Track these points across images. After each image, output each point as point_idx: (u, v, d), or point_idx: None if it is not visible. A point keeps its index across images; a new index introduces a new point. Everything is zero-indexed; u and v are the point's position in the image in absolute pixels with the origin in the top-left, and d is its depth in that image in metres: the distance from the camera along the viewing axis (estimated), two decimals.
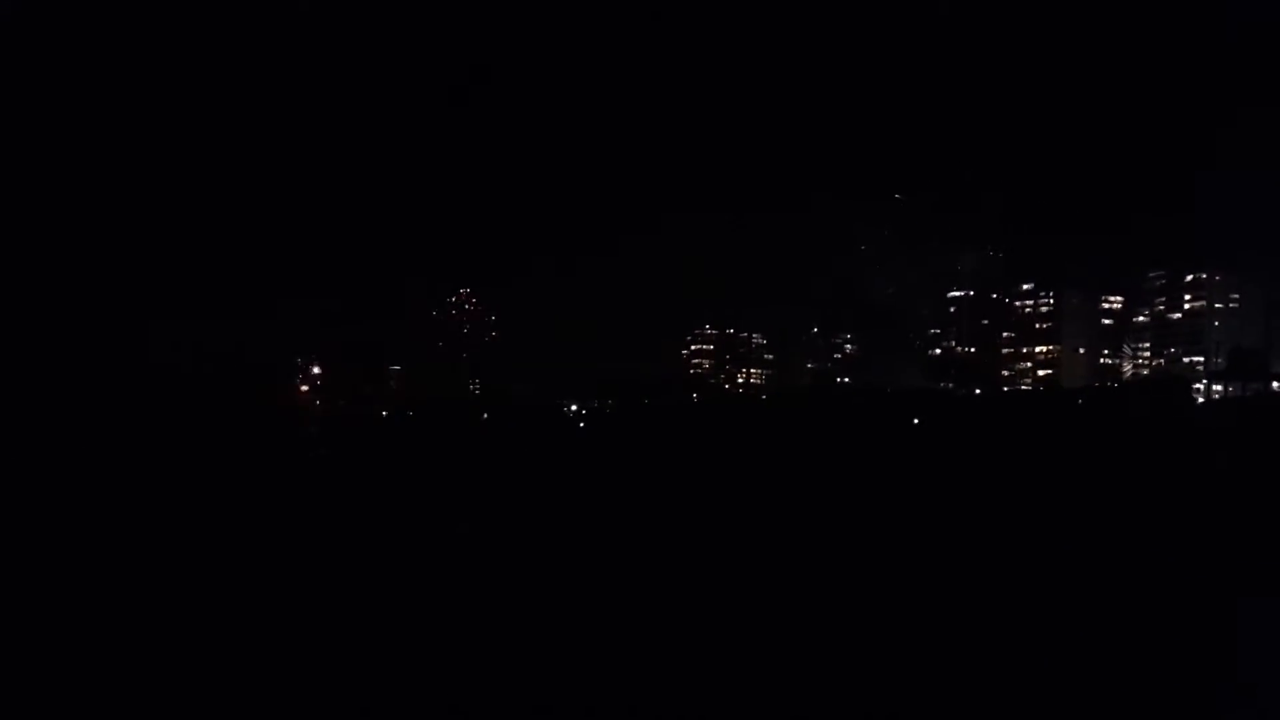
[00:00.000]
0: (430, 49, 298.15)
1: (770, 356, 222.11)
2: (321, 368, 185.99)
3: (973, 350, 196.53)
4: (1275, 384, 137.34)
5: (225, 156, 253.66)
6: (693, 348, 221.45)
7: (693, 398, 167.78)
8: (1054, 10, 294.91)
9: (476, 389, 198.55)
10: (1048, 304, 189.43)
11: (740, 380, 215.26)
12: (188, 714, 14.59)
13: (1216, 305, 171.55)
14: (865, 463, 60.92)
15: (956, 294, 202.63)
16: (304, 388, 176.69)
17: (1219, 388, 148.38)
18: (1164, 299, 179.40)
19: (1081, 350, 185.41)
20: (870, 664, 16.53)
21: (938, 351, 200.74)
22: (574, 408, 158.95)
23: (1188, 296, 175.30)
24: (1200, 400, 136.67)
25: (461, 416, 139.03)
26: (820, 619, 19.57)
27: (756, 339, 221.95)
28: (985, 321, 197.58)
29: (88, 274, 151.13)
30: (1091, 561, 25.49)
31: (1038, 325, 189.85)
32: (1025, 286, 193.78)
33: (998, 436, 78.79)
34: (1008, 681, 15.57)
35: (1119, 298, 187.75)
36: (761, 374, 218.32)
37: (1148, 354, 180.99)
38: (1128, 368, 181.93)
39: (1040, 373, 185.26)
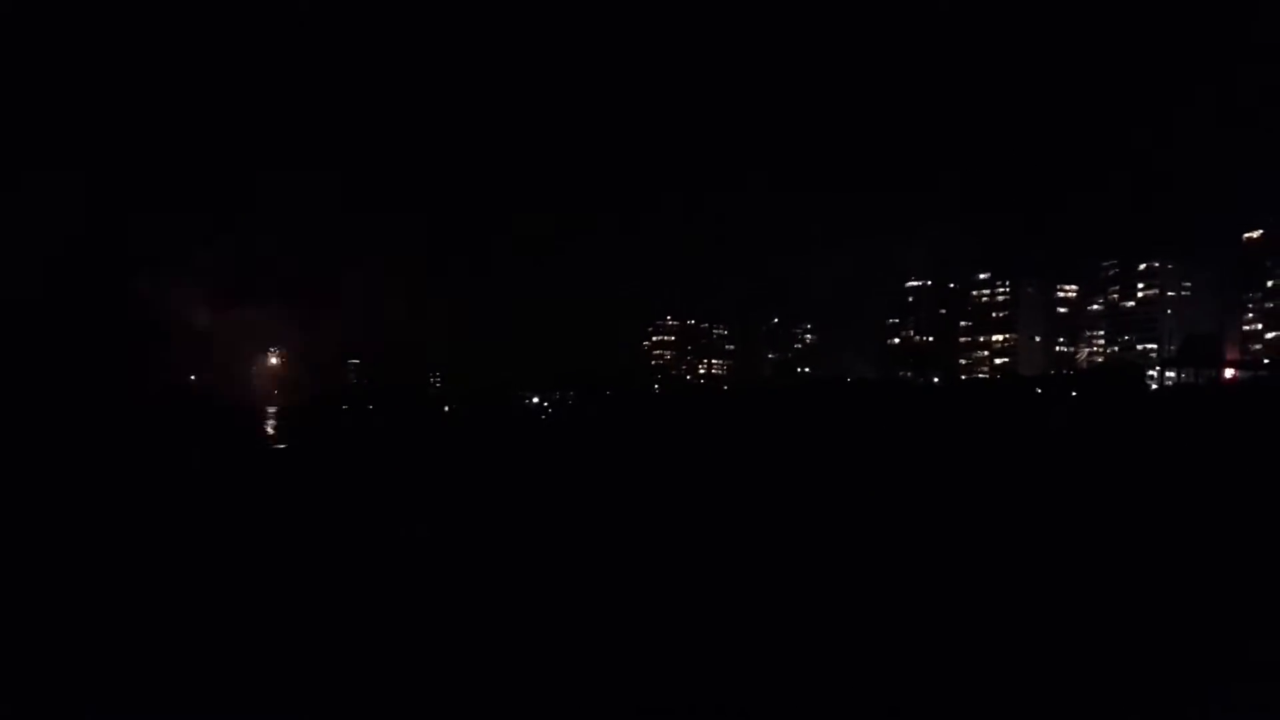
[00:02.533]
0: (381, 39, 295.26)
1: (731, 347, 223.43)
2: (278, 360, 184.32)
3: (930, 339, 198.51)
4: (1228, 370, 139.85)
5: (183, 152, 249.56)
6: (654, 339, 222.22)
7: (654, 388, 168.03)
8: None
9: (437, 381, 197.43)
10: (1004, 293, 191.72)
11: (702, 371, 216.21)
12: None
13: (1169, 293, 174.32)
14: (831, 452, 61.20)
15: (914, 283, 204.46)
16: (260, 379, 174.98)
17: (1172, 374, 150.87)
18: (1117, 287, 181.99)
19: (1037, 339, 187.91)
20: (849, 652, 16.55)
21: (896, 341, 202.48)
22: (535, 400, 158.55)
23: (1141, 285, 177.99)
24: (1154, 387, 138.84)
25: (422, 409, 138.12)
26: (796, 613, 19.57)
27: (718, 330, 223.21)
28: (942, 311, 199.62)
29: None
30: (1055, 546, 25.71)
31: (994, 314, 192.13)
32: (981, 276, 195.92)
33: (960, 424, 79.46)
34: (981, 673, 15.63)
35: (1073, 286, 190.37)
36: (723, 364, 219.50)
37: (1102, 342, 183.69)
38: (1083, 355, 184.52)
39: (997, 361, 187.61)
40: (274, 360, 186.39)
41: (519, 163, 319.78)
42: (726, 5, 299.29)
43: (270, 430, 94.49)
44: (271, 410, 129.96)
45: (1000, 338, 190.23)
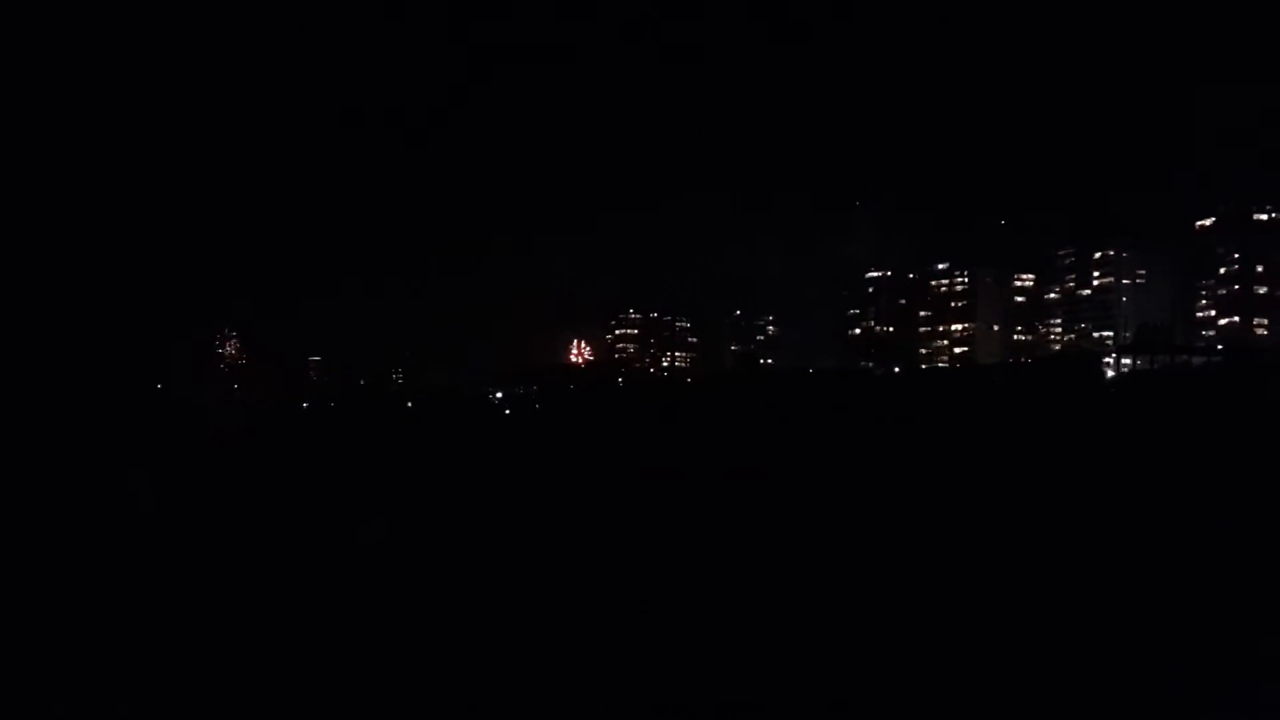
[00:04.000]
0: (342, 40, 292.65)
1: (694, 340, 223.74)
2: (243, 358, 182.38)
3: (891, 329, 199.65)
4: (1181, 356, 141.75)
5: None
6: (617, 332, 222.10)
7: (618, 381, 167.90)
8: None
9: (399, 378, 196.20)
10: (962, 283, 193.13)
11: (665, 364, 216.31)
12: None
13: (1125, 281, 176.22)
14: (801, 442, 61.53)
15: (874, 274, 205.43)
16: (226, 377, 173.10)
17: (1128, 361, 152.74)
18: (1074, 276, 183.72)
19: (996, 327, 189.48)
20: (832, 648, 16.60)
21: (857, 331, 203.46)
22: (499, 395, 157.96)
23: (1097, 273, 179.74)
24: (1110, 374, 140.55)
25: (384, 406, 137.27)
26: (778, 608, 19.64)
27: (680, 323, 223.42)
28: (902, 301, 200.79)
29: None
30: (1021, 530, 26.00)
31: (953, 304, 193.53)
32: (940, 266, 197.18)
33: (924, 412, 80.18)
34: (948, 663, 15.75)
35: (1031, 275, 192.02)
36: (686, 357, 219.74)
37: (1059, 330, 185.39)
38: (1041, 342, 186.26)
39: (956, 350, 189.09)
40: (233, 355, 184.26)
41: (483, 162, 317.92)
42: (687, 8, 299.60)
43: (233, 429, 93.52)
44: (233, 409, 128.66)
45: (959, 327, 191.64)
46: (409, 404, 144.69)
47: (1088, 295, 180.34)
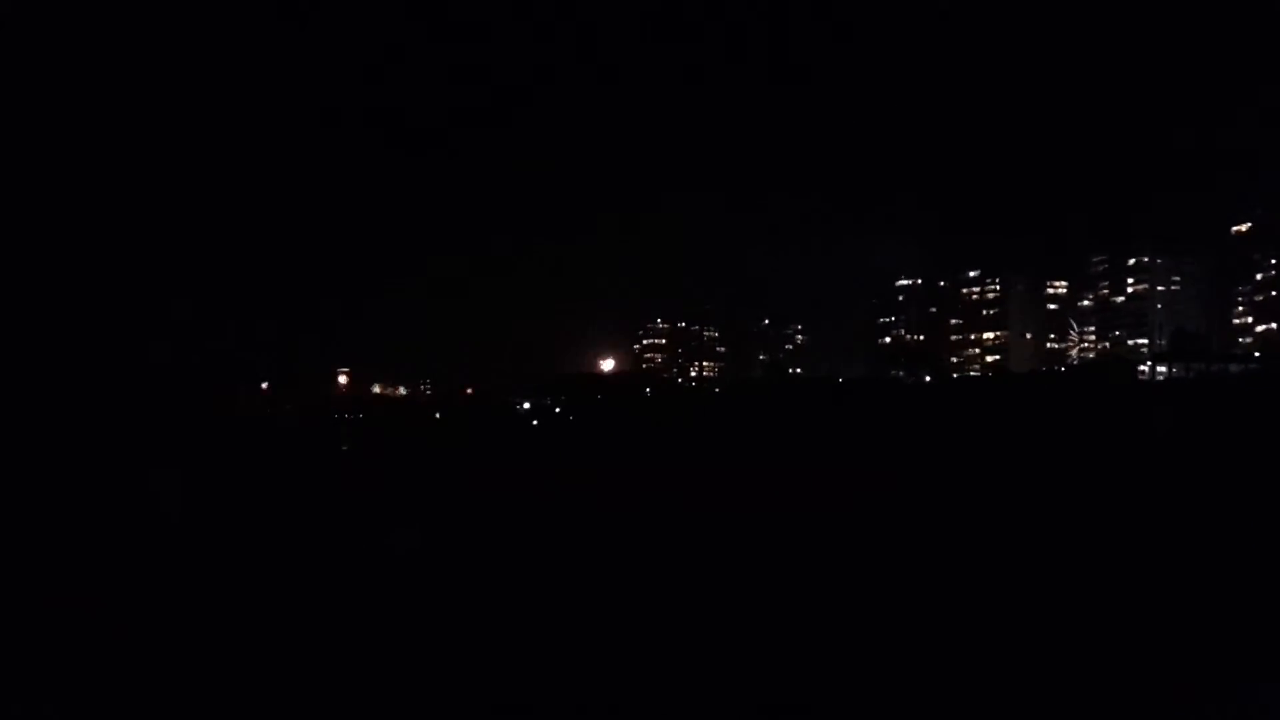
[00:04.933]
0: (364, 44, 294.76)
1: (723, 349, 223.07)
2: (269, 369, 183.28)
3: (921, 338, 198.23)
4: (1218, 364, 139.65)
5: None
6: (645, 342, 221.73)
7: (646, 391, 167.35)
8: None
9: (427, 389, 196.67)
10: (994, 290, 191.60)
11: (693, 373, 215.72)
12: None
13: (1159, 288, 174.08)
14: (830, 451, 60.88)
15: (904, 282, 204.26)
16: (252, 391, 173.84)
17: (1163, 369, 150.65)
18: (1107, 283, 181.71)
19: (1028, 335, 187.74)
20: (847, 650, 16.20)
21: (887, 340, 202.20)
22: (526, 405, 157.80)
23: (1131, 280, 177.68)
24: (1144, 381, 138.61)
25: (414, 416, 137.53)
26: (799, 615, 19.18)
27: (709, 332, 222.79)
28: (933, 309, 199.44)
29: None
30: (1050, 541, 25.42)
31: (985, 312, 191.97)
32: (971, 273, 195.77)
33: (955, 422, 79.23)
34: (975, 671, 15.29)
35: (1063, 282, 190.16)
36: (714, 367, 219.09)
37: (1093, 338, 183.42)
38: (1074, 351, 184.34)
39: (988, 359, 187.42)
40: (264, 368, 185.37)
41: (511, 168, 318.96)
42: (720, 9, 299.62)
43: (262, 439, 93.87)
44: (264, 419, 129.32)
45: (991, 335, 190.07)
46: (436, 414, 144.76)
47: (1121, 302, 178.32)
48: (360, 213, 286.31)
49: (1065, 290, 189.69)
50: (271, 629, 18.65)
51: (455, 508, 39.38)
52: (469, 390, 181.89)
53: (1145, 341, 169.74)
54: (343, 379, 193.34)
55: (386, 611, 19.91)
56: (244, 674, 15.96)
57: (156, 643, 17.56)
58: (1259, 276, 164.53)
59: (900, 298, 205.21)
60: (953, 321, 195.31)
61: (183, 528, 33.26)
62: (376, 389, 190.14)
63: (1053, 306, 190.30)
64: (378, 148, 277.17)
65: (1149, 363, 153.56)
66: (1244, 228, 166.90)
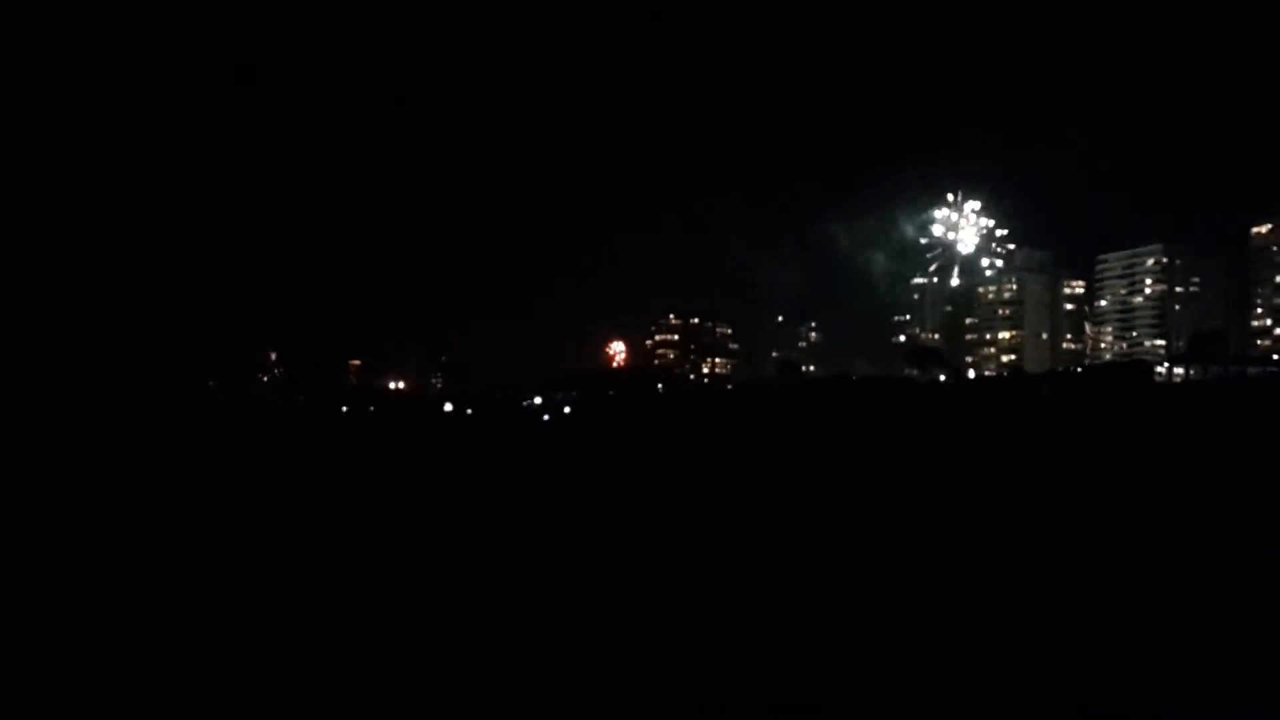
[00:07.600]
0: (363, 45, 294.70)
1: (735, 346, 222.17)
2: (278, 360, 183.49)
3: (938, 337, 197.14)
4: (1236, 365, 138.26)
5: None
6: (657, 338, 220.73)
7: (658, 388, 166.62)
8: None
9: (438, 383, 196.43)
10: (1011, 290, 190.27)
11: (706, 370, 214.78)
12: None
13: (1177, 289, 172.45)
14: (844, 451, 60.15)
15: (921, 281, 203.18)
16: (262, 379, 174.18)
17: (1180, 370, 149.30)
18: (1125, 283, 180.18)
19: (1044, 335, 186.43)
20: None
21: (903, 338, 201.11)
22: (537, 401, 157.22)
23: (1149, 280, 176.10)
24: (1161, 382, 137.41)
25: (423, 410, 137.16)
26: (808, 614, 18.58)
27: (721, 329, 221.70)
28: (949, 308, 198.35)
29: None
30: (1063, 543, 24.78)
31: (1001, 311, 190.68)
32: (989, 273, 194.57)
33: (971, 421, 78.32)
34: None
35: (1080, 283, 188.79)
36: (727, 363, 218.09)
37: (1110, 338, 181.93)
38: (1090, 352, 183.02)
39: (1004, 358, 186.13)
40: (274, 360, 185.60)
41: (522, 164, 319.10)
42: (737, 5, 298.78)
43: (272, 432, 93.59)
44: (273, 411, 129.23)
45: (1007, 335, 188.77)
46: (447, 408, 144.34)
47: (1139, 303, 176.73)
48: (370, 211, 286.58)
49: (1082, 290, 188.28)
50: (286, 628, 18.24)
51: (469, 507, 38.90)
52: (478, 386, 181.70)
53: (1163, 342, 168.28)
54: (354, 371, 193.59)
55: (405, 611, 19.52)
56: (256, 671, 15.56)
57: (157, 643, 17.10)
58: (1278, 279, 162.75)
59: (915, 296, 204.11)
60: (968, 321, 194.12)
61: (192, 526, 32.84)
62: (392, 385, 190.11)
63: (1069, 306, 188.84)
64: (399, 144, 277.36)
65: (1166, 364, 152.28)
66: (1264, 229, 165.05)
